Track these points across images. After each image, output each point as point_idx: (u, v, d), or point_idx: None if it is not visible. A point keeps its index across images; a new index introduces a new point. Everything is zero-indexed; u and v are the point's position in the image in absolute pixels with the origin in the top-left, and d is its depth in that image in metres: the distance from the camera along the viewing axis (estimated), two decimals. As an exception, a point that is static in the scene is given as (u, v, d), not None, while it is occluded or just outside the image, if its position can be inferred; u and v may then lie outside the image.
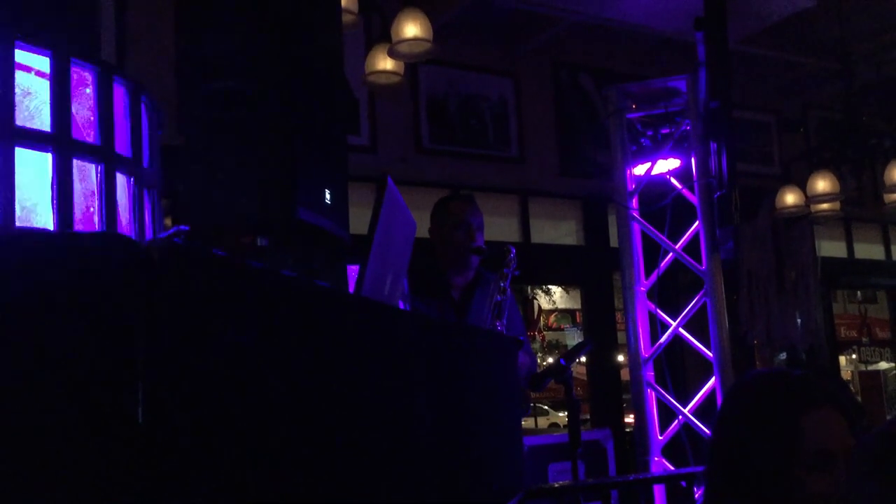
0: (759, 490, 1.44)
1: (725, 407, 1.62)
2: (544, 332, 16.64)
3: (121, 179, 1.14)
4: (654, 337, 4.17)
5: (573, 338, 16.05)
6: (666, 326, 4.13)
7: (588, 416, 6.87)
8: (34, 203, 1.03)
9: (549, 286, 14.74)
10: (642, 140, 4.28)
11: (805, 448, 1.42)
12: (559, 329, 16.98)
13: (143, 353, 0.71)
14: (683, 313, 4.09)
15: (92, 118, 1.09)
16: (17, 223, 1.01)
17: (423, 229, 3.08)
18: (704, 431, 3.98)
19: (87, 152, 1.08)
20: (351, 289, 1.63)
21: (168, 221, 2.07)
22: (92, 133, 1.07)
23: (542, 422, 16.90)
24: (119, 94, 1.13)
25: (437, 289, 3.23)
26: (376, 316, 1.35)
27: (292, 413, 0.97)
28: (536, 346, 15.76)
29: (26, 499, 0.71)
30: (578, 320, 14.90)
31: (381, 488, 1.23)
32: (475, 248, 3.20)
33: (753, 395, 1.55)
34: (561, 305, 16.63)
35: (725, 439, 1.54)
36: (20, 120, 1.02)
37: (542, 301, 16.03)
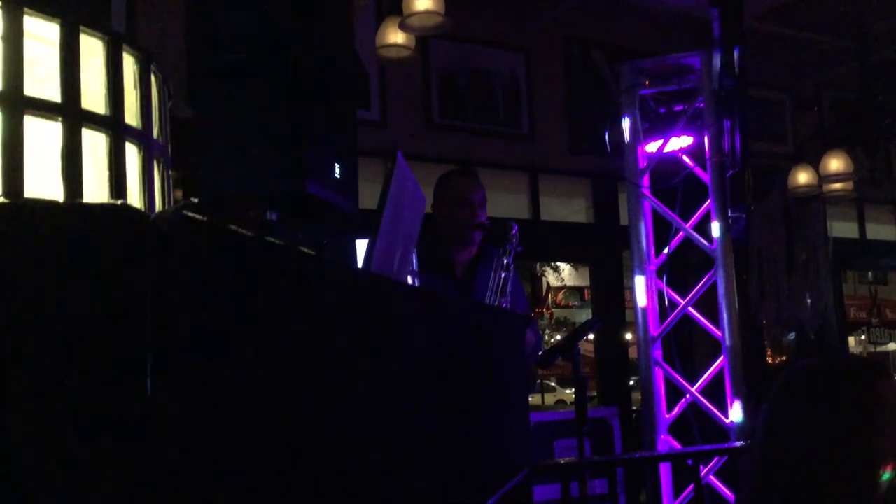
0: (838, 475, 1.35)
1: (779, 401, 1.48)
2: (552, 309, 16.70)
3: (130, 150, 1.13)
4: (663, 315, 4.16)
5: (581, 315, 16.10)
6: (675, 305, 4.12)
7: (595, 394, 6.89)
8: (43, 173, 1.02)
9: (558, 263, 14.76)
10: (654, 117, 4.25)
11: (884, 412, 1.36)
12: (567, 306, 17.05)
13: (152, 325, 0.71)
14: (693, 292, 4.08)
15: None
16: (26, 193, 1.01)
17: (429, 205, 3.05)
18: (712, 410, 3.98)
19: (96, 122, 1.08)
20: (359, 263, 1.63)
21: (178, 194, 2.07)
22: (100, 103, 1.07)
23: (549, 398, 17.01)
24: (128, 63, 1.13)
25: (439, 265, 3.21)
26: (385, 291, 1.35)
27: (300, 385, 0.97)
28: (544, 322, 15.80)
29: (32, 468, 0.71)
30: (587, 297, 14.93)
31: (386, 462, 1.23)
32: (477, 223, 3.17)
33: (822, 378, 1.45)
34: (569, 283, 16.69)
35: (787, 433, 1.43)
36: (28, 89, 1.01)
37: (551, 278, 16.08)
